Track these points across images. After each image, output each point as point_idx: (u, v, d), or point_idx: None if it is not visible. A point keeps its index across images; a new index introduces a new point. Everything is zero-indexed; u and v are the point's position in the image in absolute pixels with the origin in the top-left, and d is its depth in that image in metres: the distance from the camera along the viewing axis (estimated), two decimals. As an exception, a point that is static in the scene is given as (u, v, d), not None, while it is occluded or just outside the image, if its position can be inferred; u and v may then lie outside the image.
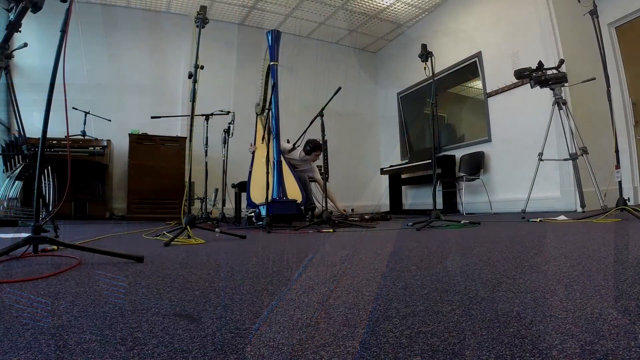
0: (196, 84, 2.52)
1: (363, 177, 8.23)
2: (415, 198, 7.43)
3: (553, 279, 1.03)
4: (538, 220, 3.39)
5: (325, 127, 3.71)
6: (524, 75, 4.10)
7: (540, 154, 3.90)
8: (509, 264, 1.30)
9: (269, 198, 3.49)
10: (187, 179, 2.63)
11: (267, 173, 3.41)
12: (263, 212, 3.70)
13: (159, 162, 5.45)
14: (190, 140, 2.55)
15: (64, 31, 1.37)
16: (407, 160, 7.17)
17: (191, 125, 2.56)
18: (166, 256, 1.70)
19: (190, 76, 2.51)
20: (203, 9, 2.64)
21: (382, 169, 7.57)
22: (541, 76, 3.95)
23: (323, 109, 3.74)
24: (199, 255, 1.75)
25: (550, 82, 3.93)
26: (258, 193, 3.90)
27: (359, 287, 1.02)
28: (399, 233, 2.83)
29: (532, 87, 4.09)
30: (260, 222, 3.78)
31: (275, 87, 3.91)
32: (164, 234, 2.66)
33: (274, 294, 0.96)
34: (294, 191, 4.00)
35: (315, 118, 3.79)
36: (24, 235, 1.50)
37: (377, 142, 8.64)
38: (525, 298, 0.84)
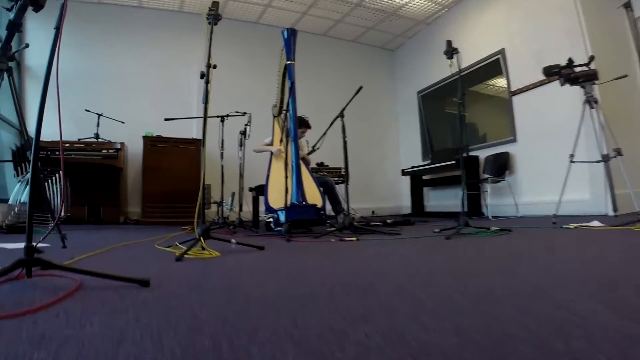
0: (209, 84, 2.37)
1: (383, 178, 8.01)
2: (437, 200, 7.18)
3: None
4: (572, 226, 3.17)
5: (345, 128, 3.54)
6: (553, 73, 3.92)
7: (572, 156, 3.69)
8: (571, 293, 1.09)
9: (288, 203, 3.33)
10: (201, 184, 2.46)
11: (286, 177, 3.24)
12: (282, 217, 3.53)
13: (173, 165, 5.35)
14: (204, 144, 2.39)
15: (58, 28, 1.23)
16: (429, 161, 6.92)
17: (204, 127, 2.41)
18: (176, 276, 1.54)
19: (202, 76, 2.36)
20: (215, 4, 2.48)
21: (403, 170, 7.34)
22: (571, 73, 3.74)
23: (344, 109, 3.56)
24: (213, 274, 1.58)
25: (580, 80, 3.72)
26: (276, 197, 3.73)
27: (400, 331, 0.82)
28: (426, 242, 2.64)
29: (561, 85, 3.88)
30: (279, 228, 3.62)
31: (292, 87, 3.73)
32: (176, 244, 2.52)
33: (298, 341, 0.77)
34: (313, 195, 3.81)
35: (335, 119, 3.61)
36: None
37: (397, 143, 8.40)
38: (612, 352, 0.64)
